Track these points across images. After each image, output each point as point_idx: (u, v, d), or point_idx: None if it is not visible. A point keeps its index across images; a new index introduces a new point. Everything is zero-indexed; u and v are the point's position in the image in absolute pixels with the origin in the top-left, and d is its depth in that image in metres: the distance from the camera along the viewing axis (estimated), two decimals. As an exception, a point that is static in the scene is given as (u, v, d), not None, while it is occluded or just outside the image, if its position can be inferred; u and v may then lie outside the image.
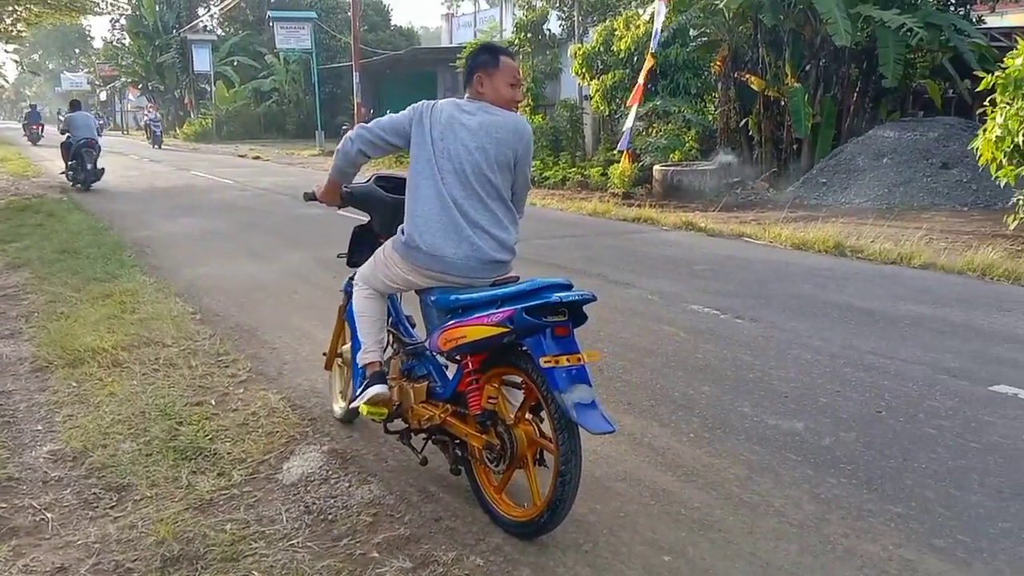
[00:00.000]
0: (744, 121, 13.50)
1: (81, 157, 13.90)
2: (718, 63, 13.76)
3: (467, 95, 2.84)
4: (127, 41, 44.42)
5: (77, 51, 76.21)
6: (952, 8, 12.74)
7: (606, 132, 15.86)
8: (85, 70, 65.68)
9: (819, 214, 10.10)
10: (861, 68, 12.34)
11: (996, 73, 7.67)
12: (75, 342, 4.56)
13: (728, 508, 2.82)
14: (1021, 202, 7.75)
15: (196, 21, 40.96)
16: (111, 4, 41.76)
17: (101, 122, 44.82)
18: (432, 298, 2.79)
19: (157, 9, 40.13)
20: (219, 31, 42.27)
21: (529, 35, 18.58)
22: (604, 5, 17.87)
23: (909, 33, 10.63)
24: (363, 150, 2.87)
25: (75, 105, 15.19)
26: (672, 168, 12.70)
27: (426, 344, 2.88)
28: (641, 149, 13.26)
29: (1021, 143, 7.33)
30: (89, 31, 77.68)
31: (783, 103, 12.61)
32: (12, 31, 22.33)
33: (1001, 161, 7.62)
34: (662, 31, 12.79)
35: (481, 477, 2.74)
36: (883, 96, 12.80)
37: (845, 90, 12.57)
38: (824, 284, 6.40)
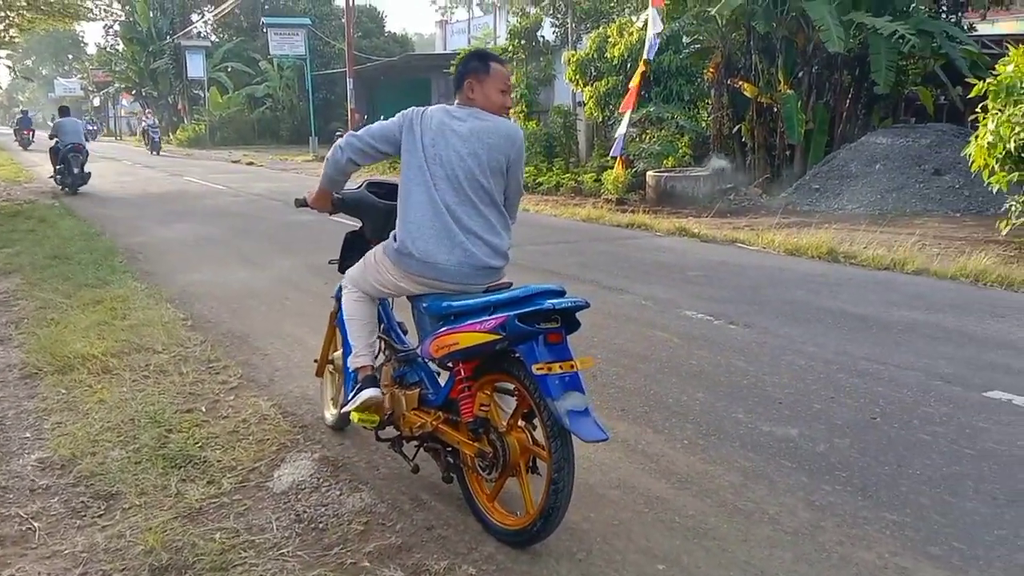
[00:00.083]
0: (737, 127, 13.54)
1: (68, 161, 14.24)
2: (711, 70, 13.80)
3: (457, 101, 2.83)
4: (121, 47, 44.40)
5: (71, 57, 76.15)
6: (944, 16, 12.83)
7: (600, 138, 15.87)
8: (79, 76, 65.63)
9: (812, 220, 10.13)
10: (854, 75, 12.40)
11: (988, 80, 7.73)
12: (65, 348, 4.52)
13: (723, 515, 2.80)
14: (1013, 208, 7.78)
15: (190, 27, 41.00)
16: (105, 10, 41.99)
17: (95, 128, 45.00)
18: (424, 304, 2.78)
19: (151, 15, 40.15)
20: (213, 37, 42.25)
21: (523, 42, 18.61)
22: (597, 12, 17.93)
23: (901, 40, 10.71)
24: (353, 159, 2.85)
25: (64, 111, 15.63)
26: (665, 174, 12.72)
27: (418, 351, 2.86)
28: (634, 155, 13.28)
29: (1013, 149, 7.37)
30: (83, 37, 77.95)
31: (776, 109, 12.66)
32: (5, 37, 22.30)
33: (993, 167, 7.66)
34: (657, 38, 12.81)
35: (473, 485, 2.71)
36: (875, 103, 12.87)
37: (838, 97, 12.63)
38: (817, 290, 6.40)
